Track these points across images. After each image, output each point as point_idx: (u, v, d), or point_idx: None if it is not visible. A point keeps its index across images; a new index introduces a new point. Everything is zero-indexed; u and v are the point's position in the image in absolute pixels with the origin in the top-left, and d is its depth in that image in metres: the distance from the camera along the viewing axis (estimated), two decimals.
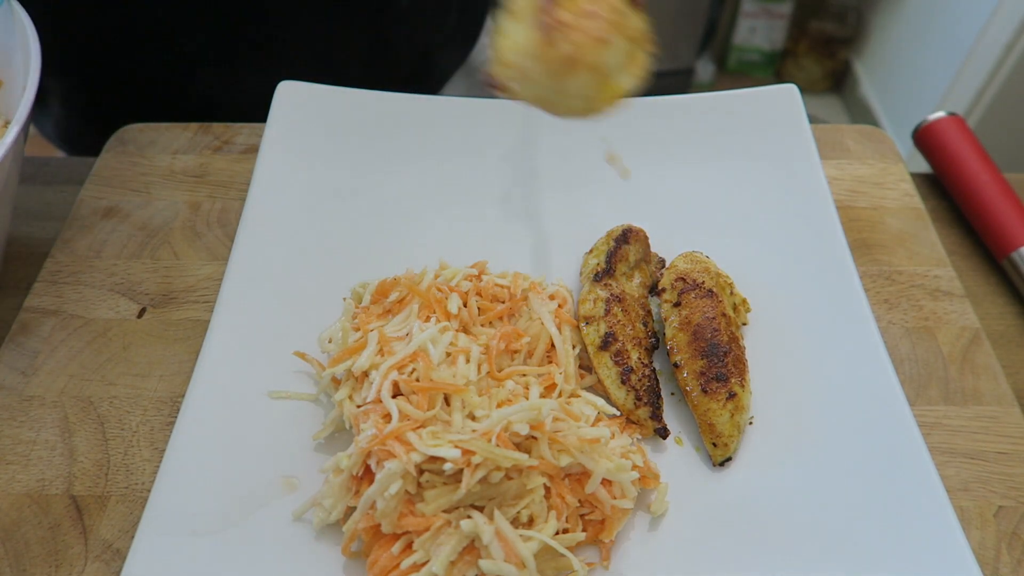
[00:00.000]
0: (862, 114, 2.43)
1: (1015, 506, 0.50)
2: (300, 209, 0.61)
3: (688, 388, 0.49)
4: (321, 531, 0.45)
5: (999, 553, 0.48)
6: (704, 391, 0.49)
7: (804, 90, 0.68)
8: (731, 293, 0.55)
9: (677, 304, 0.52)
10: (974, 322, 0.60)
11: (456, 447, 0.42)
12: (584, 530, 0.45)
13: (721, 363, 0.49)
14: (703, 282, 0.53)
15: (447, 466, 0.41)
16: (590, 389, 0.52)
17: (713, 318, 0.51)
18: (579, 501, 0.45)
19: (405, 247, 0.60)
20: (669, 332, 0.52)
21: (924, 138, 0.74)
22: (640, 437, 0.50)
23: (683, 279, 0.53)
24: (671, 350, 0.51)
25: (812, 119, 0.66)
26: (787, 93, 0.68)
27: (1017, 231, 0.64)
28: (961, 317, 0.60)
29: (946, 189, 0.72)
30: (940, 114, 0.73)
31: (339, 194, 0.63)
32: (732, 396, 0.48)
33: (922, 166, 0.76)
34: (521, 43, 0.35)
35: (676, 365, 0.50)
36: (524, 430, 0.43)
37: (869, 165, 0.72)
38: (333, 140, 0.66)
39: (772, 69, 2.67)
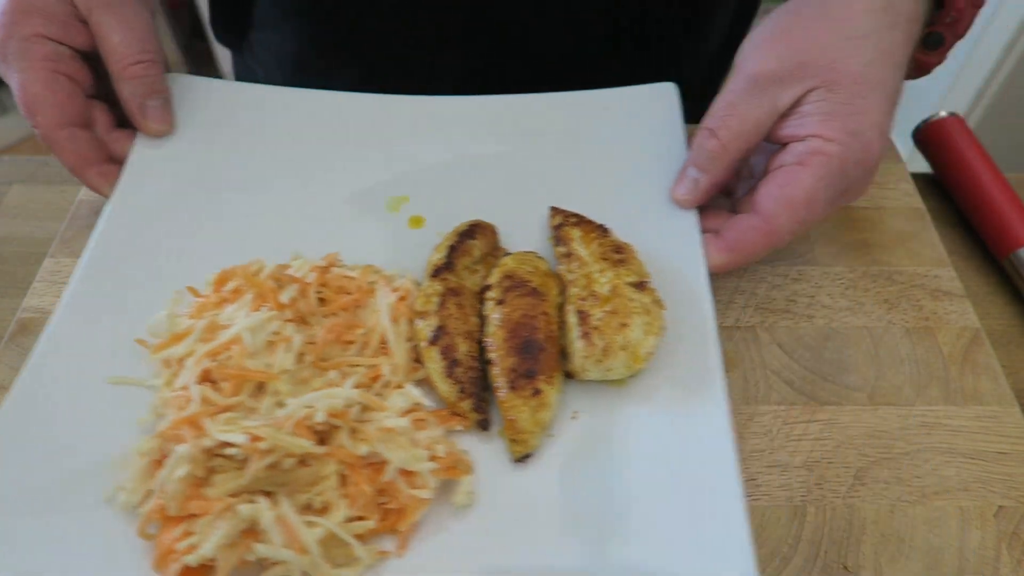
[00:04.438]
0: None
1: (1015, 506, 0.50)
2: (170, 200, 0.61)
3: (497, 384, 0.50)
4: (131, 514, 0.45)
5: (999, 553, 0.48)
6: (511, 388, 0.49)
7: None
8: (559, 293, 0.55)
9: (500, 302, 0.52)
10: (974, 322, 0.60)
11: (246, 433, 0.43)
12: (384, 519, 0.46)
13: (532, 360, 0.49)
14: (530, 281, 0.53)
15: (235, 451, 0.43)
16: (424, 381, 0.52)
17: (533, 316, 0.51)
18: (380, 490, 0.46)
19: (277, 240, 0.60)
20: (489, 329, 0.52)
21: (924, 138, 0.74)
22: (462, 428, 0.50)
23: (510, 277, 0.54)
24: (487, 347, 0.51)
25: None
26: (665, 92, 0.69)
27: (1017, 231, 0.64)
28: (961, 317, 0.60)
29: (946, 189, 0.72)
30: (940, 114, 0.73)
31: (212, 187, 0.63)
32: (537, 393, 0.49)
33: (922, 166, 0.76)
34: (579, 352, 0.50)
35: (489, 362, 0.51)
36: (321, 418, 0.45)
37: None
38: (212, 133, 0.66)
39: None
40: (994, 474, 0.51)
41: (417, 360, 0.52)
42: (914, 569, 0.48)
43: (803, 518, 0.50)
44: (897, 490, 0.51)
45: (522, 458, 0.49)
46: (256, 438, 0.43)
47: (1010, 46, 1.72)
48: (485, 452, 0.49)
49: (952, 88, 1.89)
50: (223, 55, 2.43)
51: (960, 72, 1.86)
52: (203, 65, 2.58)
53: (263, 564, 0.43)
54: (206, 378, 0.48)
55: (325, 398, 0.46)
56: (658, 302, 0.52)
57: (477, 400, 0.50)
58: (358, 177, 0.65)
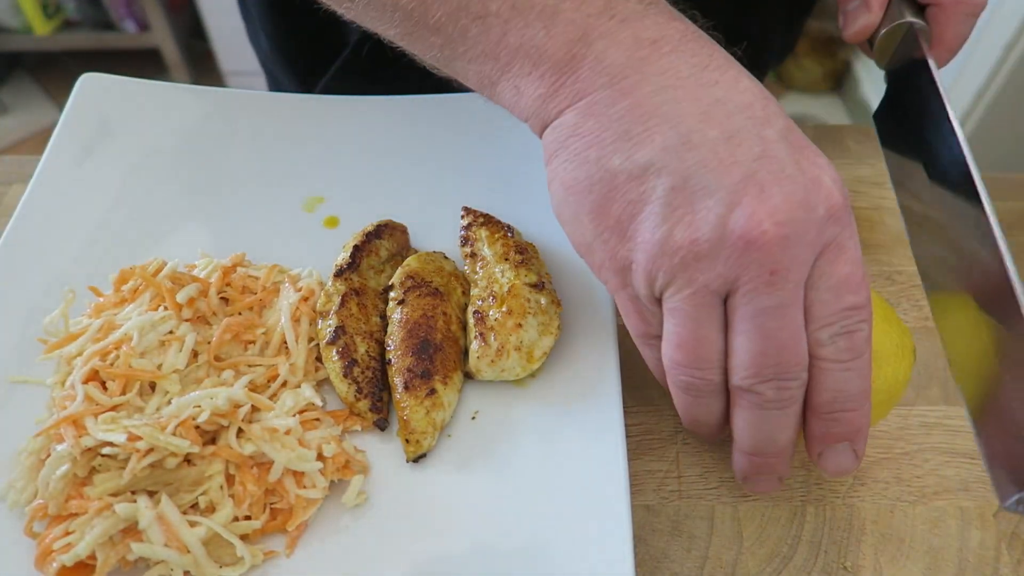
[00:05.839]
0: (862, 114, 2.42)
1: None
2: (82, 199, 0.62)
3: (395, 384, 0.50)
4: (21, 512, 0.46)
5: (999, 553, 0.48)
6: (407, 387, 0.49)
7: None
8: (463, 293, 0.56)
9: (401, 302, 0.53)
10: None
11: (125, 432, 0.44)
12: (273, 519, 0.46)
13: (429, 361, 0.50)
14: (432, 281, 0.54)
15: (113, 449, 0.43)
16: (328, 381, 0.53)
17: (432, 317, 0.52)
18: (270, 490, 0.47)
19: (189, 240, 0.60)
20: (389, 330, 0.53)
21: None
22: (360, 429, 0.51)
23: (412, 277, 0.54)
24: (387, 347, 0.52)
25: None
26: None
27: None
28: None
29: None
30: None
31: (127, 186, 0.63)
32: (432, 393, 0.49)
33: None
34: (473, 353, 0.51)
35: (389, 362, 0.51)
36: (203, 417, 0.45)
37: (869, 165, 0.72)
38: (128, 133, 0.66)
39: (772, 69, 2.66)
40: None
41: (320, 360, 0.53)
42: (914, 569, 0.48)
43: (803, 518, 0.50)
44: (897, 490, 0.51)
45: (416, 458, 0.49)
46: (134, 437, 0.43)
47: (1010, 46, 1.72)
48: (384, 453, 0.50)
49: (952, 88, 1.89)
50: (223, 55, 2.43)
51: (960, 72, 1.86)
52: (203, 65, 2.59)
53: (149, 563, 0.43)
54: (95, 377, 0.48)
55: (207, 398, 0.47)
56: (556, 302, 0.53)
57: (375, 400, 0.50)
58: (275, 177, 0.65)
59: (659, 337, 0.41)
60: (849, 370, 0.38)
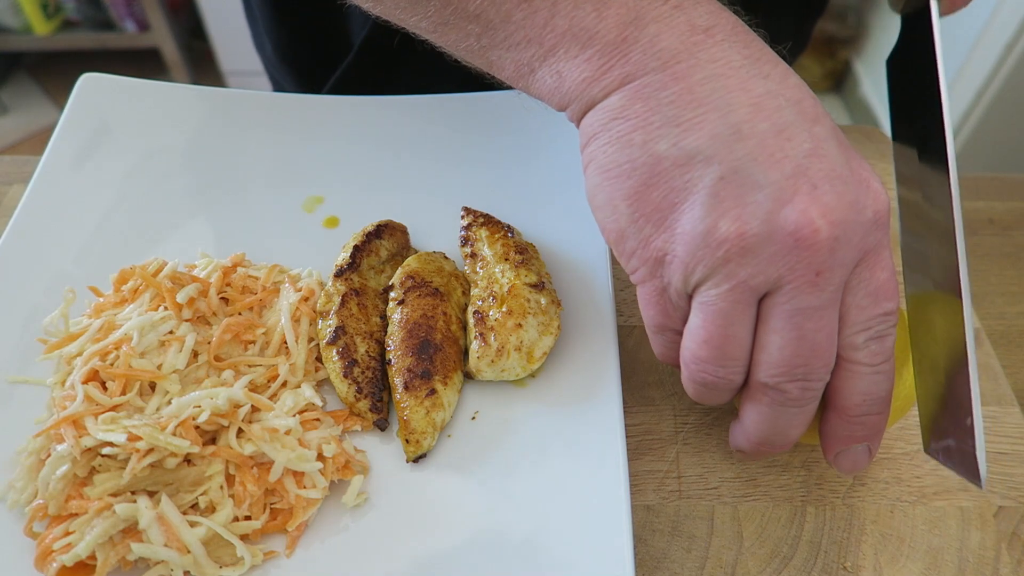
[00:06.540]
0: (862, 114, 2.43)
1: (1015, 506, 0.50)
2: (82, 199, 0.62)
3: (395, 384, 0.50)
4: (21, 512, 0.46)
5: (999, 553, 0.48)
6: (407, 388, 0.49)
7: None
8: (463, 293, 0.56)
9: (401, 302, 0.53)
10: (974, 322, 0.60)
11: (125, 432, 0.44)
12: (273, 519, 0.46)
13: (429, 361, 0.50)
14: (431, 281, 0.54)
15: (113, 449, 0.43)
16: (328, 381, 0.53)
17: (432, 317, 0.52)
18: (270, 490, 0.47)
19: (189, 240, 0.60)
20: (389, 330, 0.53)
21: None
22: (360, 429, 0.51)
23: (412, 277, 0.54)
24: (387, 347, 0.52)
25: None
26: None
27: None
28: None
29: None
30: None
31: (126, 186, 0.63)
32: (432, 393, 0.49)
33: None
34: (473, 353, 0.51)
35: (389, 362, 0.51)
36: (203, 417, 0.45)
37: (870, 164, 0.72)
38: (128, 132, 0.66)
39: None
40: (994, 474, 0.51)
41: (320, 360, 0.53)
42: (914, 569, 0.48)
43: (803, 518, 0.50)
44: (897, 490, 0.51)
45: (416, 459, 0.49)
46: (134, 437, 0.43)
47: (1010, 46, 1.72)
48: (384, 453, 0.50)
49: (952, 88, 1.89)
50: (223, 55, 2.43)
51: (960, 72, 1.86)
52: (203, 65, 2.59)
53: (149, 563, 0.43)
54: (95, 377, 0.48)
55: (207, 398, 0.47)
56: (556, 302, 0.53)
57: (375, 400, 0.50)
58: (275, 177, 0.65)
59: (677, 331, 0.41)
60: (879, 373, 0.38)
